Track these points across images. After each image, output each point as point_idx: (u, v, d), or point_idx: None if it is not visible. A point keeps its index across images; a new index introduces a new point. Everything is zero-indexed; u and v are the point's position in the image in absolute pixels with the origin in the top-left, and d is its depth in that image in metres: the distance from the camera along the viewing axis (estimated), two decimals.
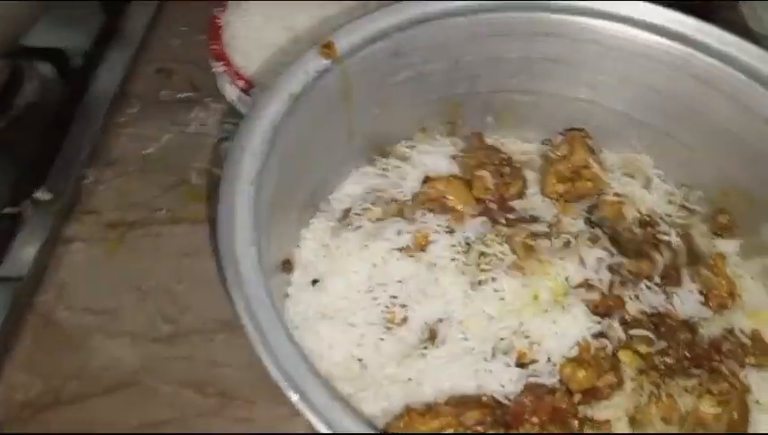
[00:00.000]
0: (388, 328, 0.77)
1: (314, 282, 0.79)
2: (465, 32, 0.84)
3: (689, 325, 0.76)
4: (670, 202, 0.89)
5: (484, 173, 0.83)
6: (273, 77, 0.75)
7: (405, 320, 0.77)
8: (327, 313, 0.77)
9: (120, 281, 0.86)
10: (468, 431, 0.65)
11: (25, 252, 0.87)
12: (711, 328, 0.77)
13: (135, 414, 0.77)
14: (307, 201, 0.82)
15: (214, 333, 0.82)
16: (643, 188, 0.89)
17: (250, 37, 1.01)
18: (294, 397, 0.54)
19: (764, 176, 0.80)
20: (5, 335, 0.81)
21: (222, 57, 1.00)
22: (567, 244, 0.77)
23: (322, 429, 0.54)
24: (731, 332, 0.76)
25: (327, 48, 0.74)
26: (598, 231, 0.81)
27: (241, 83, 0.97)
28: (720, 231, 0.86)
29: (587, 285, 0.75)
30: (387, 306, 0.78)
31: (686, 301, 0.78)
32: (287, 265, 0.78)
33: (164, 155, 1.00)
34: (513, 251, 0.77)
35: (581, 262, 0.76)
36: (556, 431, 0.64)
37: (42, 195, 0.91)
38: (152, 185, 0.96)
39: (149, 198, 0.94)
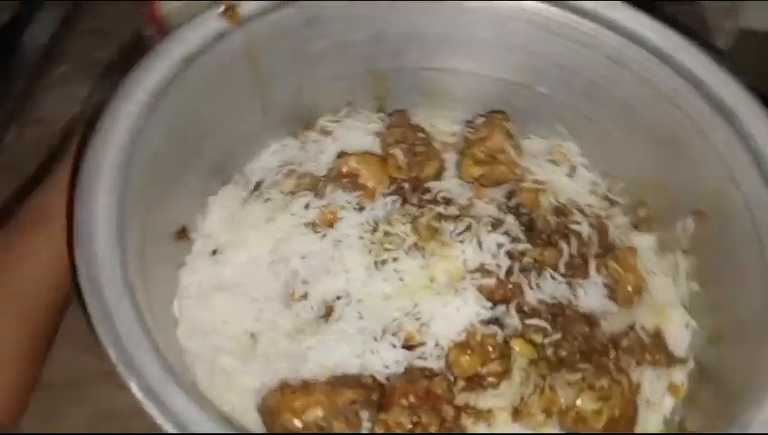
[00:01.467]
0: (288, 304, 0.76)
1: (214, 252, 0.78)
2: (386, 3, 0.81)
3: (590, 318, 0.74)
4: (593, 192, 0.87)
5: (397, 151, 0.81)
6: None
7: (305, 296, 0.76)
8: (225, 285, 0.76)
9: None
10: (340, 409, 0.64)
11: None
12: (615, 323, 0.75)
13: None
14: (214, 169, 0.81)
15: None
16: (566, 177, 0.87)
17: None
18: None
19: (677, 165, 0.77)
20: None
21: (155, 20, 0.97)
22: (468, 227, 0.75)
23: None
24: (632, 328, 0.75)
25: (229, 11, 0.72)
26: (506, 216, 0.79)
27: None
28: (639, 224, 0.84)
29: (483, 269, 0.73)
30: (287, 282, 0.77)
31: (591, 293, 0.76)
32: (182, 234, 0.76)
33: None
34: (416, 232, 0.76)
35: (480, 246, 0.74)
36: (427, 417, 0.62)
37: None
38: None
39: None
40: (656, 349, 0.73)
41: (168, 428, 0.51)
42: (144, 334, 0.55)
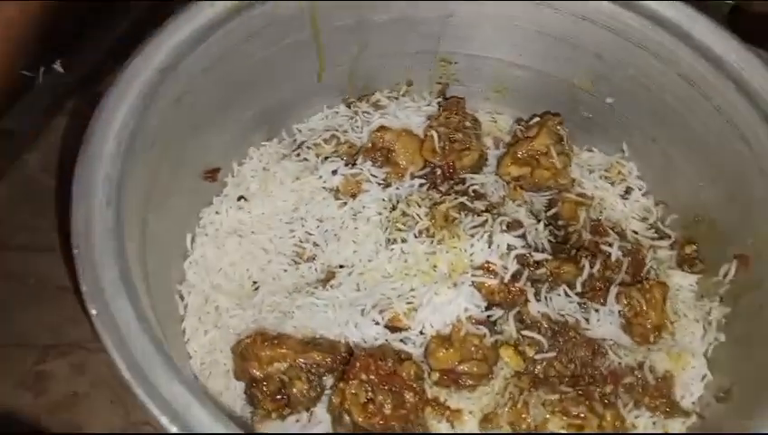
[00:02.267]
0: (295, 262, 0.77)
1: (240, 198, 0.81)
2: None
3: (595, 345, 0.68)
4: (643, 219, 0.81)
5: (433, 133, 0.79)
6: None
7: (312, 258, 0.77)
8: (242, 231, 0.79)
9: None
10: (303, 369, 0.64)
11: (27, 112, 0.95)
12: (623, 357, 0.69)
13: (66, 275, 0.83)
14: (260, 120, 0.83)
15: None
16: (619, 198, 0.81)
17: None
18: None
19: (734, 206, 0.69)
20: None
21: None
22: (483, 223, 0.72)
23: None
24: (640, 366, 0.68)
25: None
26: (536, 223, 0.75)
27: None
28: (683, 262, 0.77)
29: (488, 268, 0.70)
30: (301, 241, 0.78)
31: (604, 321, 0.70)
32: (210, 174, 0.79)
33: None
34: (432, 217, 0.74)
35: (489, 244, 0.70)
36: (383, 396, 0.61)
37: (57, 67, 0.99)
38: None
39: None
40: (659, 394, 0.66)
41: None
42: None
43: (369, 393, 0.62)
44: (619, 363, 0.68)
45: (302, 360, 0.64)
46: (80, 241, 0.53)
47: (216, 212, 0.79)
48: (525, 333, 0.68)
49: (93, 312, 0.49)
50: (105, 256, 0.52)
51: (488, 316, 0.69)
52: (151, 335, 0.50)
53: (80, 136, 0.71)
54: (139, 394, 0.47)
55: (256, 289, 0.75)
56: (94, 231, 0.54)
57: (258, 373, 0.64)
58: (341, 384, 0.63)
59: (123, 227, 0.56)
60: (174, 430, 0.46)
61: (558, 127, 0.79)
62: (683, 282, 0.75)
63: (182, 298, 0.72)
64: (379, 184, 0.79)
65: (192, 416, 0.46)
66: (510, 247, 0.71)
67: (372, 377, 0.62)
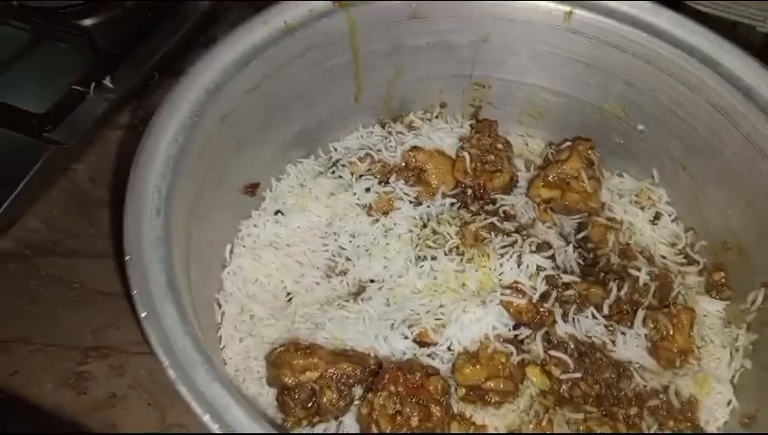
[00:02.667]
0: (327, 275, 0.80)
1: (277, 212, 0.84)
2: (494, 9, 0.81)
3: (620, 368, 0.69)
4: (672, 245, 0.81)
5: (465, 155, 0.81)
6: None
7: (344, 272, 0.79)
8: (278, 244, 0.81)
9: None
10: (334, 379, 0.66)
11: (77, 125, 0.99)
12: (649, 380, 0.70)
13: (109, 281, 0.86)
14: (298, 139, 0.86)
15: None
16: (649, 223, 0.82)
17: None
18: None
19: (764, 233, 0.70)
20: (34, 187, 0.94)
21: None
22: (513, 243, 0.74)
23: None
24: (665, 389, 0.69)
25: None
26: (566, 246, 0.76)
27: None
28: (711, 289, 0.77)
29: (516, 288, 0.71)
30: (333, 255, 0.80)
31: (631, 344, 0.71)
32: (251, 189, 0.82)
33: None
34: (462, 236, 0.76)
35: (518, 264, 0.72)
36: (410, 408, 0.63)
37: (107, 82, 1.04)
38: None
39: None
40: (684, 418, 0.67)
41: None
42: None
43: (397, 405, 0.63)
44: (645, 386, 0.69)
45: (332, 370, 0.66)
46: (131, 248, 0.56)
47: (255, 225, 0.82)
48: (552, 353, 0.69)
49: (142, 314, 0.52)
50: (154, 263, 0.55)
51: (515, 335, 0.70)
52: (194, 337, 0.53)
53: (130, 149, 0.75)
54: (183, 392, 0.49)
55: (290, 300, 0.78)
56: (144, 239, 0.57)
57: (290, 381, 0.66)
58: (370, 395, 0.64)
59: (170, 237, 0.59)
60: (216, 429, 0.48)
61: (589, 152, 0.81)
62: (710, 308, 0.75)
63: (219, 306, 0.75)
64: (411, 202, 0.81)
65: (232, 416, 0.49)
66: (539, 268, 0.72)
67: (401, 389, 0.64)
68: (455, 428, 0.66)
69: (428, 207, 0.80)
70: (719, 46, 0.73)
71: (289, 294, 0.78)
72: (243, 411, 0.49)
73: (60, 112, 0.98)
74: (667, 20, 0.75)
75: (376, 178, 0.84)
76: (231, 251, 0.79)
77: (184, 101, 0.67)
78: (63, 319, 0.83)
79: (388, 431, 0.62)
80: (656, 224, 0.83)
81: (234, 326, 0.74)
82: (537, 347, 0.70)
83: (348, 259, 0.79)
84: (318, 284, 0.79)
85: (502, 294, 0.71)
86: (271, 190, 0.85)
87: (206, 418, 0.49)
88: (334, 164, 0.88)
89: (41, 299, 0.85)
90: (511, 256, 0.73)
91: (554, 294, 0.71)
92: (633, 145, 0.84)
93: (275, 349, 0.69)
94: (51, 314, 0.84)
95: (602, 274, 0.76)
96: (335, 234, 0.81)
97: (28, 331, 0.82)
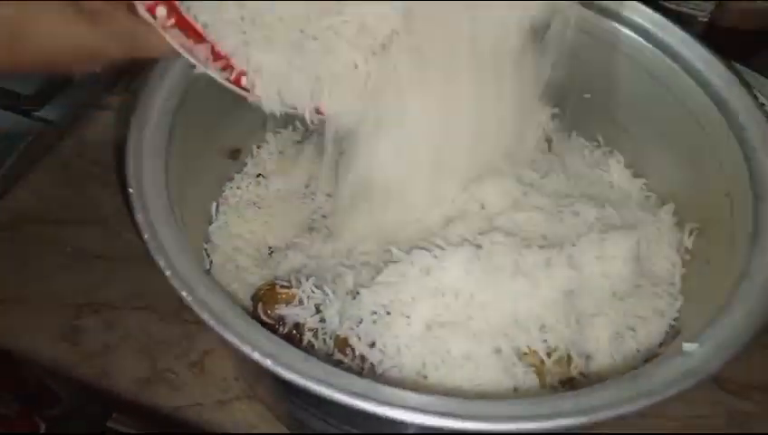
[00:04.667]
0: (306, 231, 0.86)
1: (259, 175, 0.91)
2: None
3: None
4: None
5: None
6: None
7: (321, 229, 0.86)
8: (260, 203, 0.88)
9: None
10: None
11: (64, 104, 1.05)
12: None
13: (98, 245, 0.92)
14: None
15: None
16: None
17: None
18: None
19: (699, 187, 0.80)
20: (24, 161, 0.99)
21: None
22: None
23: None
24: None
25: None
26: None
27: None
28: None
29: None
30: (312, 212, 0.87)
31: None
32: (235, 154, 0.89)
33: None
34: None
35: None
36: None
37: None
38: None
39: None
40: None
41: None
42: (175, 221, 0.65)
43: None
44: None
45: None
46: (133, 183, 0.62)
47: (238, 187, 0.89)
48: None
49: (146, 236, 0.58)
50: (154, 194, 0.62)
51: None
52: (189, 255, 0.59)
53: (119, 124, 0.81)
54: (184, 297, 0.55)
55: (271, 254, 0.85)
56: (144, 176, 0.63)
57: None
58: None
59: (168, 179, 0.65)
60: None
61: None
62: None
63: (207, 255, 0.82)
64: None
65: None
66: None
67: None
68: None
69: None
70: (662, 27, 0.82)
71: (270, 248, 0.85)
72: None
73: (48, 92, 1.04)
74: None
75: None
76: (216, 209, 0.86)
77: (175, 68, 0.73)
78: (57, 280, 0.89)
79: None
80: None
81: (221, 274, 0.80)
82: None
83: (324, 216, 0.86)
84: (296, 242, 0.85)
85: None
86: (252, 156, 0.92)
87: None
88: (311, 134, 0.95)
89: (34, 262, 0.90)
90: None
91: None
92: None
93: (260, 289, 0.76)
94: (44, 276, 0.89)
95: None
96: (312, 194, 0.88)
97: (23, 291, 0.87)
